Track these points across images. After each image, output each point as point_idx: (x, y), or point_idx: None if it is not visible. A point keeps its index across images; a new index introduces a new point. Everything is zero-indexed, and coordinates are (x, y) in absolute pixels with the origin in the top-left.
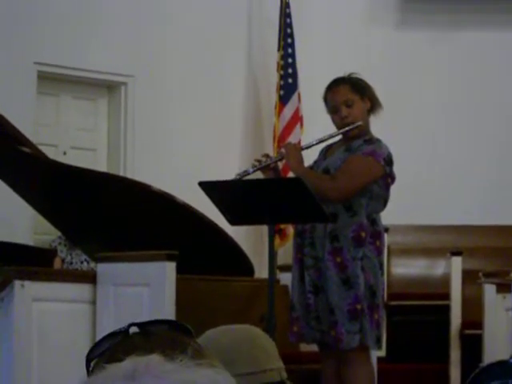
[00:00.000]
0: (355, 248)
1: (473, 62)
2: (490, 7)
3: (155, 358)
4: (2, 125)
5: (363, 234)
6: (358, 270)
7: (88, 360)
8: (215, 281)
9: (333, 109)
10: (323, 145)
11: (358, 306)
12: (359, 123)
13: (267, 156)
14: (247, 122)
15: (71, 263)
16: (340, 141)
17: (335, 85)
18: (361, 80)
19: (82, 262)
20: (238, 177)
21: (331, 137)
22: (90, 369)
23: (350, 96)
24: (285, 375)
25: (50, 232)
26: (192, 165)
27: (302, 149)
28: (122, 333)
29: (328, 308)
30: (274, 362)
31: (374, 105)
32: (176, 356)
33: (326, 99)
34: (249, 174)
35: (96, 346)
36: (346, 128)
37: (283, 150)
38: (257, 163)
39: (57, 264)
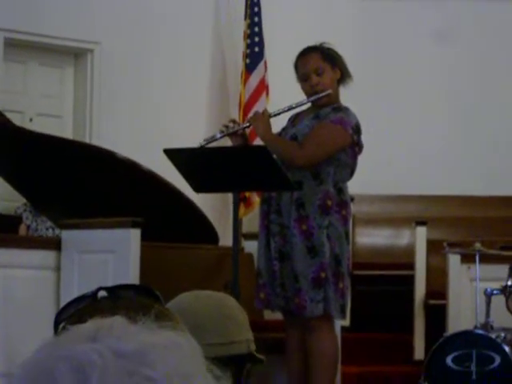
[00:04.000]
0: (321, 216)
1: (434, 31)
2: None
3: (118, 320)
4: None
5: (329, 203)
6: (324, 238)
7: (56, 322)
8: (180, 248)
9: (303, 76)
10: (292, 112)
11: (323, 274)
12: (329, 91)
13: (234, 122)
14: (213, 89)
15: (36, 230)
16: (309, 109)
17: (306, 52)
18: (332, 50)
19: (47, 229)
20: (205, 142)
21: (300, 104)
22: (58, 331)
23: (321, 64)
24: (253, 347)
25: (15, 199)
26: (158, 132)
27: (271, 116)
28: (90, 296)
29: (293, 275)
30: (243, 334)
31: (344, 75)
32: (139, 318)
33: (296, 66)
34: (216, 139)
35: (64, 308)
36: (316, 96)
37: (251, 116)
38: (224, 129)
39: (22, 231)
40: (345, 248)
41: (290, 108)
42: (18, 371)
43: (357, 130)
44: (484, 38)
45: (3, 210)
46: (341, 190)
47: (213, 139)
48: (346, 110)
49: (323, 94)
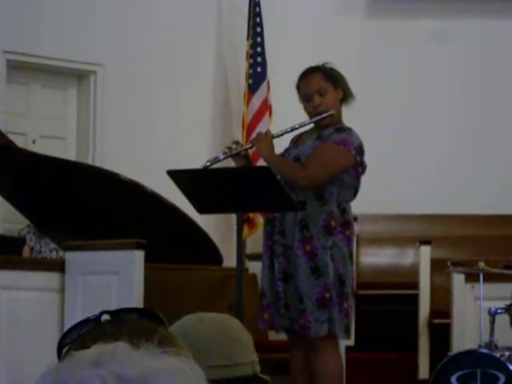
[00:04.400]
0: (325, 236)
1: (442, 48)
2: None
3: (121, 346)
4: None
5: (333, 223)
6: (328, 258)
7: (59, 347)
8: (184, 269)
9: (305, 97)
10: (295, 133)
11: (327, 295)
12: (332, 112)
13: (237, 143)
14: (216, 110)
15: (40, 252)
16: (311, 129)
17: (309, 73)
18: (334, 70)
19: (51, 251)
20: (208, 163)
21: (303, 125)
22: (61, 356)
23: (323, 85)
24: (258, 368)
25: (19, 221)
26: (161, 153)
27: (274, 137)
28: (94, 320)
29: (297, 296)
30: (248, 355)
31: (346, 95)
32: (142, 344)
33: (298, 87)
34: (219, 160)
35: (67, 333)
36: (319, 116)
37: (254, 137)
38: (227, 150)
39: (25, 253)
40: (349, 268)
41: (293, 129)
42: None
43: (360, 150)
44: (488, 60)
45: (7, 232)
46: (344, 210)
47: (216, 161)
48: (349, 130)
49: (326, 114)
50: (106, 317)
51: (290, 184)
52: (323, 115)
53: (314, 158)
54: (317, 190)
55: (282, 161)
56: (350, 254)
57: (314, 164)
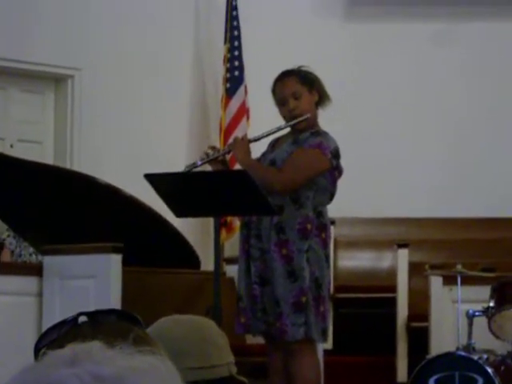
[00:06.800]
0: (301, 240)
1: (421, 52)
2: None
3: (96, 345)
4: None
5: (309, 227)
6: (304, 262)
7: (36, 349)
8: (161, 273)
9: (281, 101)
10: (272, 137)
11: (303, 299)
12: (307, 116)
13: (214, 148)
14: (194, 114)
15: (20, 255)
16: (288, 133)
17: (283, 77)
18: (309, 73)
19: (30, 255)
20: (187, 169)
21: (279, 129)
22: (39, 358)
23: (298, 88)
24: (234, 369)
25: None
26: (138, 157)
27: (250, 141)
28: (71, 322)
29: (274, 300)
30: (223, 357)
31: (322, 97)
32: (117, 343)
33: (274, 91)
34: (197, 166)
35: (45, 334)
36: (294, 121)
37: (231, 143)
38: (205, 156)
39: (5, 256)
40: (325, 271)
41: (269, 133)
42: None
43: (336, 154)
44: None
45: None
46: (320, 214)
47: (194, 166)
48: (324, 134)
49: (301, 118)
50: (83, 318)
51: (267, 189)
52: (299, 119)
53: (290, 162)
54: (293, 194)
55: (257, 165)
56: (327, 257)
57: (290, 168)
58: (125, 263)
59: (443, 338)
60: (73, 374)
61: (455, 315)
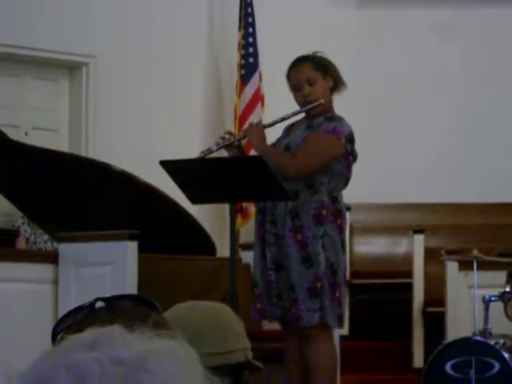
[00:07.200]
0: (316, 226)
1: (431, 40)
2: None
3: (116, 329)
4: None
5: (324, 212)
6: (319, 247)
7: (54, 334)
8: (177, 260)
9: (295, 87)
10: (287, 123)
11: (318, 284)
12: (321, 101)
13: (230, 134)
14: (208, 101)
15: (35, 243)
16: (303, 119)
17: (298, 63)
18: (324, 58)
19: (45, 242)
20: (202, 154)
21: (294, 115)
22: (56, 343)
23: (313, 74)
24: (250, 354)
25: (12, 212)
26: (153, 144)
27: (265, 127)
28: (88, 307)
29: (289, 285)
30: (240, 343)
31: (337, 83)
32: (136, 327)
33: (288, 77)
34: (212, 151)
35: (62, 320)
36: (308, 106)
37: (246, 128)
38: (220, 141)
39: (21, 244)
40: (341, 257)
41: (284, 118)
42: (17, 381)
43: (350, 139)
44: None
45: (1, 224)
46: (335, 199)
47: (209, 152)
48: (339, 119)
49: (315, 103)
50: (100, 304)
51: (281, 174)
52: (312, 105)
53: (304, 147)
54: (307, 179)
55: (272, 151)
56: (342, 242)
57: (304, 154)
58: (141, 250)
59: (459, 324)
60: (92, 358)
61: (471, 300)
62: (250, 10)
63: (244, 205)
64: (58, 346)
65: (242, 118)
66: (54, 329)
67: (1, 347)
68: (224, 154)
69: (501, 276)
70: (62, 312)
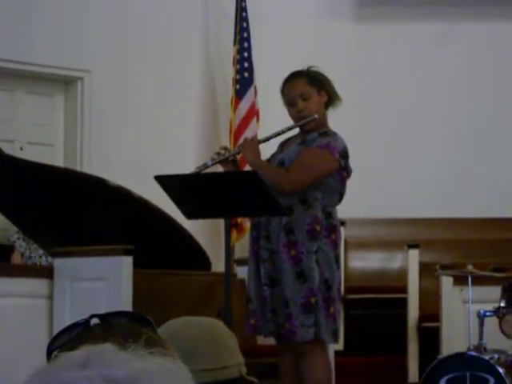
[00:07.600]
0: (310, 241)
1: (428, 54)
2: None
3: (108, 347)
4: None
5: (318, 228)
6: (313, 263)
7: (49, 351)
8: (172, 275)
9: (289, 101)
10: (281, 138)
11: (312, 300)
12: (315, 116)
13: (225, 149)
14: (204, 116)
15: (30, 257)
16: (297, 134)
17: (292, 77)
18: (318, 73)
19: (40, 257)
20: (197, 170)
21: (288, 130)
22: (51, 360)
23: (307, 89)
24: (244, 370)
25: (9, 227)
26: (148, 159)
27: (260, 142)
28: (83, 324)
29: (283, 301)
30: (234, 358)
31: (331, 98)
32: (129, 345)
33: (283, 92)
34: (208, 166)
35: (56, 337)
36: (302, 121)
37: (241, 143)
38: (216, 156)
39: (16, 259)
40: (335, 272)
41: (278, 134)
42: None
43: (344, 154)
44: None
45: None
46: (329, 215)
47: (205, 167)
48: (333, 134)
49: (309, 119)
50: (95, 320)
51: (276, 189)
52: (306, 120)
53: (297, 162)
54: (301, 194)
55: (267, 166)
56: (337, 258)
57: (298, 169)
58: (135, 265)
59: (454, 339)
60: (84, 377)
61: (466, 315)
62: (245, 24)
63: (239, 220)
64: (51, 364)
65: (237, 133)
66: (49, 346)
67: None
68: (219, 169)
69: (496, 291)
70: (56, 326)
